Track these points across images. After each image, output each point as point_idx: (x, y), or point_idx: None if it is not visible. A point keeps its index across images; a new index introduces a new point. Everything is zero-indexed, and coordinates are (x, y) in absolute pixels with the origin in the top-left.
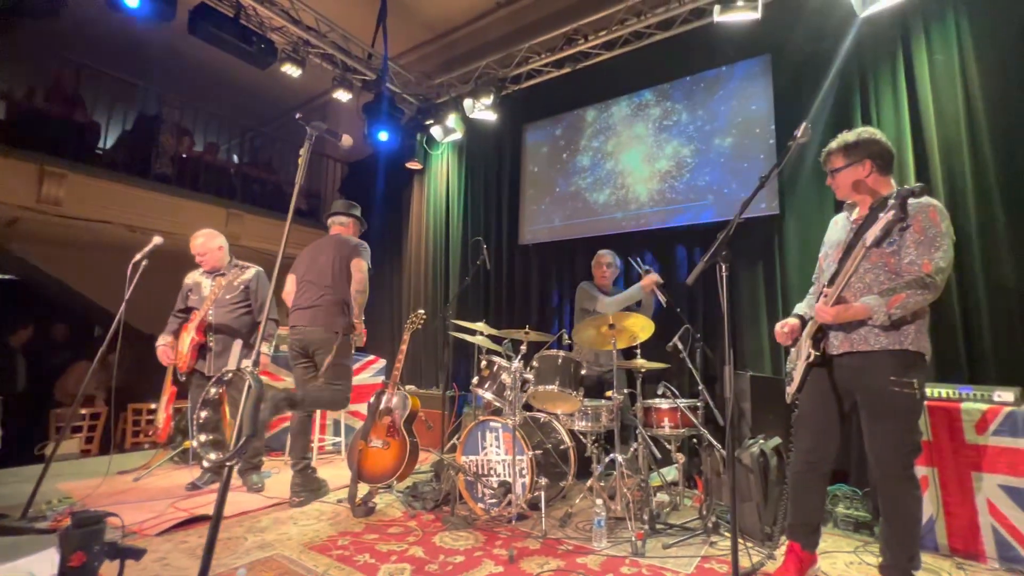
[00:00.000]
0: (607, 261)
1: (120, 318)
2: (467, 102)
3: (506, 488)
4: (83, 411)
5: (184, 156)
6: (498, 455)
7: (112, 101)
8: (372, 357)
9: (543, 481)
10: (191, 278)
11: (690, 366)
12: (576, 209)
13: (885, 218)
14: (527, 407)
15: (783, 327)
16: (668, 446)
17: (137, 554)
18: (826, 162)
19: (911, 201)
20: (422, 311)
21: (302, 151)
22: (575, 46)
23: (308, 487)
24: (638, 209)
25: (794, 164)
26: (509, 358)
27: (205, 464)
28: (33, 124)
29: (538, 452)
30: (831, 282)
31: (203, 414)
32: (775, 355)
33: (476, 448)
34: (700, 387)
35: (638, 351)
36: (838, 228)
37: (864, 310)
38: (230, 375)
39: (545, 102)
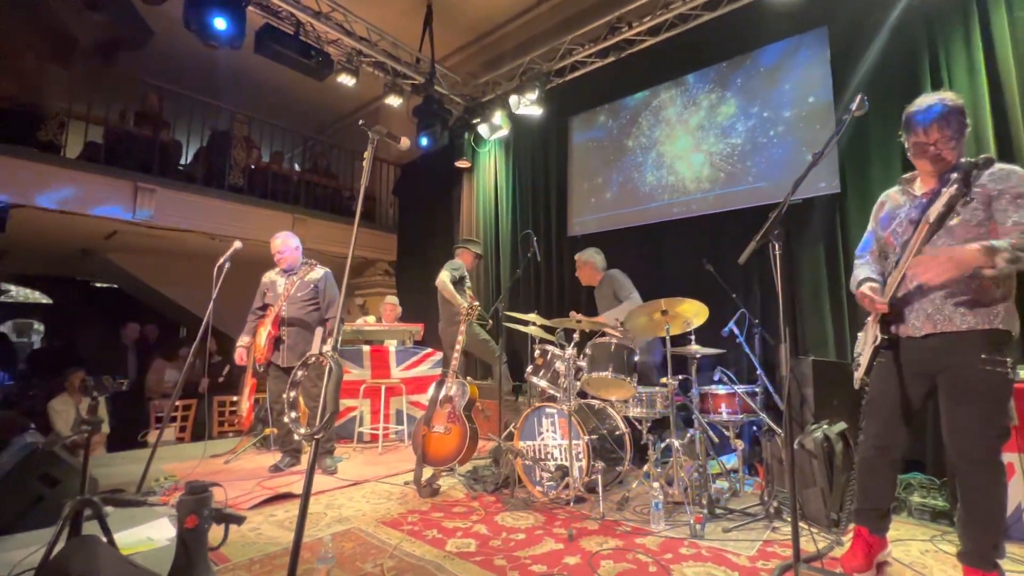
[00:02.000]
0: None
1: (208, 317)
2: (512, 98)
3: (563, 471)
4: (177, 403)
5: (253, 167)
6: (554, 440)
7: (190, 120)
8: (429, 350)
9: (599, 465)
10: (268, 277)
11: (747, 351)
12: (624, 198)
13: (948, 192)
14: (581, 394)
15: (866, 291)
16: (726, 432)
17: (239, 520)
18: (911, 132)
19: (995, 168)
20: (476, 303)
21: (366, 154)
22: (619, 34)
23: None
24: (689, 195)
25: (856, 140)
26: (562, 347)
27: (296, 437)
28: (126, 145)
29: (593, 437)
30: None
31: (292, 394)
32: (839, 340)
33: (533, 434)
34: (758, 372)
35: (692, 337)
36: (900, 203)
37: (975, 255)
38: (313, 359)
39: (590, 93)
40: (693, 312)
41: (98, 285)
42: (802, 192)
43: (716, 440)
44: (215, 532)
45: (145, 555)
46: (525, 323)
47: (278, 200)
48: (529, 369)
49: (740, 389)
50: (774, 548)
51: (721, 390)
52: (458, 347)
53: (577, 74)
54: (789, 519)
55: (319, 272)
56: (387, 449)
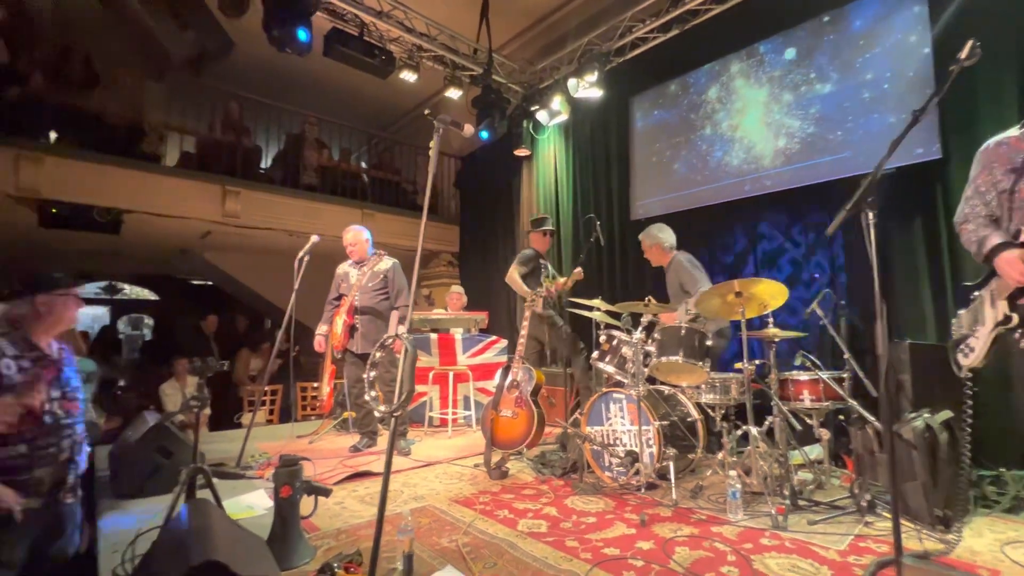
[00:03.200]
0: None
1: (292, 307)
2: (571, 82)
3: (633, 457)
4: (266, 388)
5: (324, 166)
6: (623, 425)
7: (267, 125)
8: (494, 338)
9: (671, 451)
10: (341, 268)
11: (832, 334)
12: (691, 178)
13: None
14: (650, 380)
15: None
16: (809, 421)
17: (326, 492)
18: None
19: None
20: (540, 289)
21: (431, 143)
22: (681, 6)
23: None
24: (763, 171)
25: (961, 98)
26: (629, 332)
27: (376, 415)
28: (214, 152)
29: (664, 423)
30: None
31: (372, 374)
32: (941, 322)
33: (600, 419)
34: (846, 356)
35: (770, 320)
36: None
37: None
38: (390, 340)
39: (653, 70)
40: (770, 293)
41: (194, 282)
42: (894, 160)
43: (799, 427)
44: (307, 503)
45: (246, 522)
46: (589, 308)
47: (347, 196)
48: (595, 355)
49: (825, 375)
50: (867, 543)
51: (803, 376)
52: (523, 333)
53: (638, 52)
54: (884, 514)
55: (388, 263)
56: (456, 433)
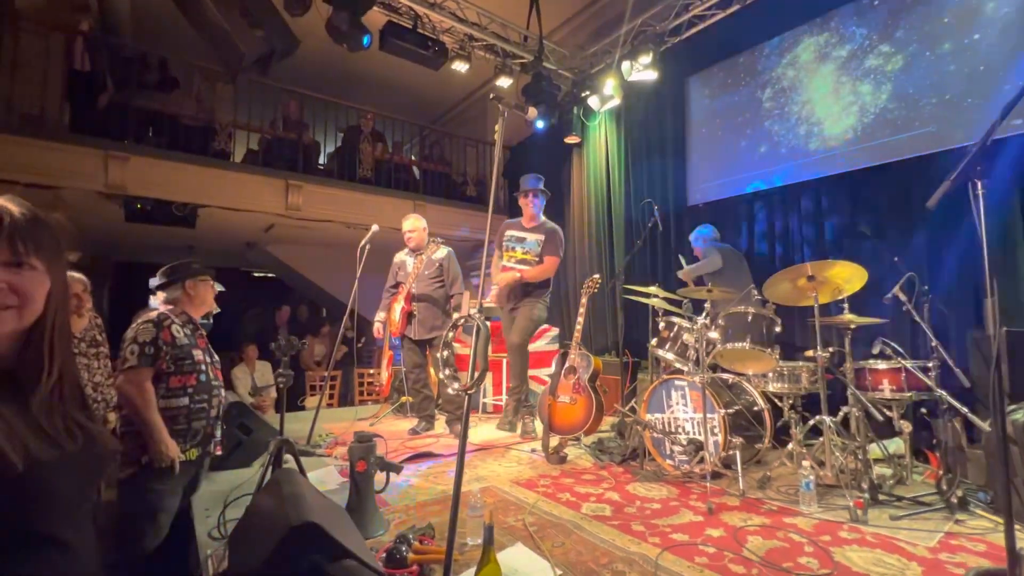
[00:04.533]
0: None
1: (355, 294)
2: (624, 65)
3: (697, 445)
4: (325, 373)
5: (378, 159)
6: (686, 413)
7: (324, 120)
8: (546, 326)
9: (738, 440)
10: (398, 257)
11: (917, 320)
12: (753, 159)
13: None
14: (712, 368)
15: None
16: (888, 413)
17: (397, 469)
18: None
19: None
20: (596, 276)
21: (497, 127)
22: None
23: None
24: (833, 148)
25: None
26: (689, 319)
27: (450, 392)
28: (277, 148)
29: (729, 411)
30: None
31: (445, 353)
32: None
33: (661, 406)
34: (934, 343)
35: (845, 306)
36: None
37: None
38: (462, 320)
39: (711, 49)
40: (846, 277)
41: (257, 274)
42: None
43: (881, 418)
44: (378, 479)
45: None
46: (647, 296)
47: (400, 188)
48: (654, 342)
49: (909, 363)
50: (960, 541)
51: (882, 364)
52: (580, 319)
53: (695, 30)
54: (978, 512)
55: (443, 251)
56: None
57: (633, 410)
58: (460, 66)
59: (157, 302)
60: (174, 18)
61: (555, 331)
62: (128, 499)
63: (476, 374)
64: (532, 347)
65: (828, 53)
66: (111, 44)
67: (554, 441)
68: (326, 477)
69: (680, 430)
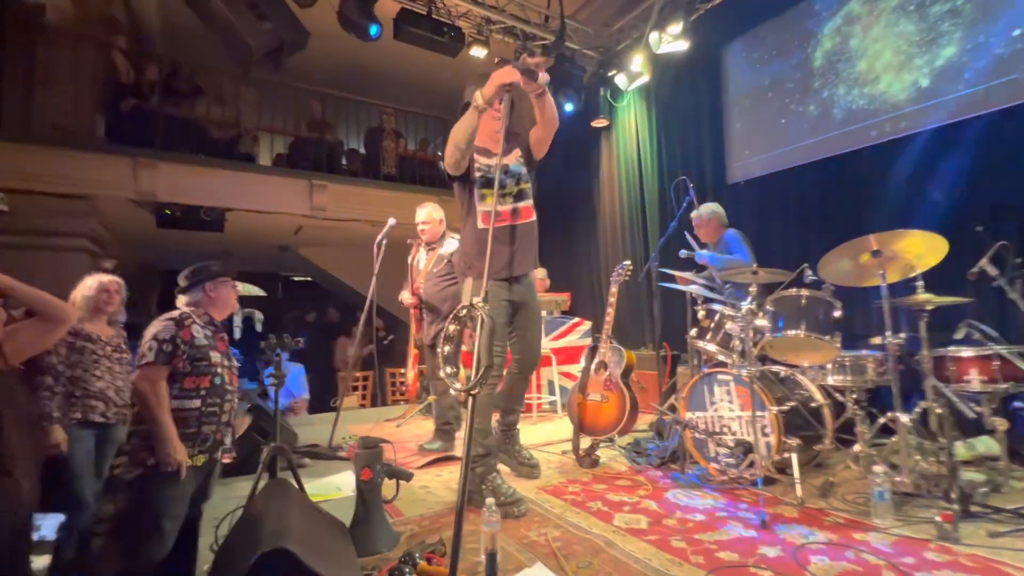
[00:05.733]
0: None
1: (372, 291)
2: (652, 36)
3: (746, 447)
4: (358, 374)
5: (402, 156)
6: (732, 411)
7: (347, 119)
8: (577, 319)
9: (794, 441)
10: (415, 252)
11: (1013, 297)
12: (802, 129)
13: None
14: (761, 359)
15: None
16: (978, 408)
17: (407, 476)
18: None
19: None
20: (628, 263)
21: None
22: None
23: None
24: (896, 110)
25: None
26: (732, 306)
27: (452, 392)
28: (301, 149)
29: (783, 408)
30: None
31: (447, 349)
32: None
33: (703, 403)
34: None
35: (919, 283)
36: None
37: None
38: (465, 311)
39: (748, 12)
40: (921, 250)
41: (295, 278)
42: None
43: (971, 415)
44: (390, 488)
45: (335, 502)
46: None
47: (425, 184)
48: (693, 332)
49: (1003, 349)
50: None
51: (969, 351)
52: (610, 309)
53: None
54: None
55: (452, 245)
56: (541, 419)
57: (672, 408)
58: (478, 52)
59: (181, 304)
60: (199, 26)
61: (587, 324)
62: (132, 503)
63: (480, 372)
64: (563, 342)
65: (883, 4)
66: (142, 55)
67: (585, 442)
68: (345, 482)
69: (726, 430)
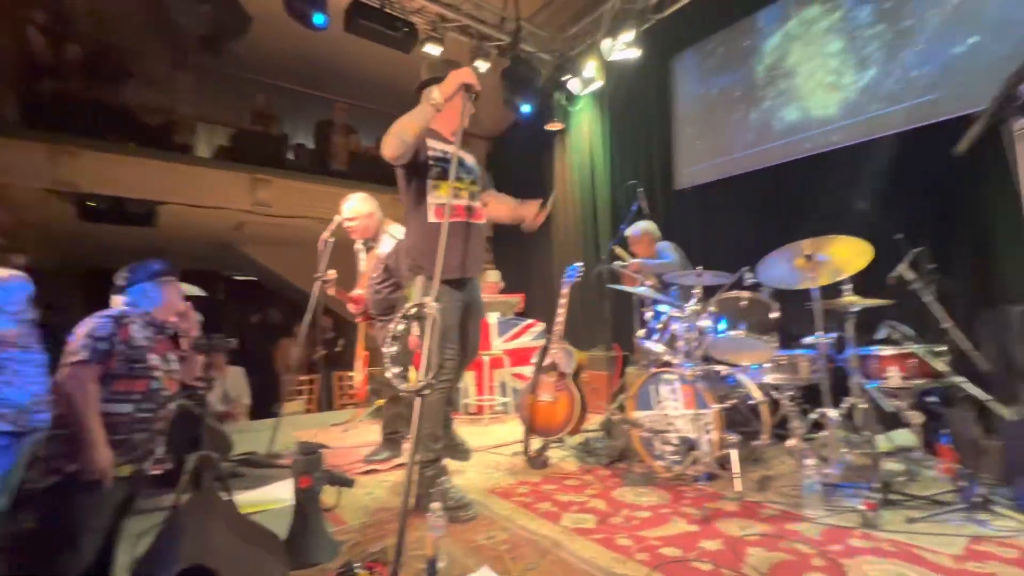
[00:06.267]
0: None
1: (316, 292)
2: (605, 43)
3: (689, 445)
4: (303, 377)
5: (354, 152)
6: (677, 409)
7: (295, 113)
8: (530, 321)
9: (734, 438)
10: (356, 247)
11: (928, 301)
12: (745, 139)
13: None
14: (705, 359)
15: None
16: (897, 403)
17: (348, 483)
18: None
19: None
20: (579, 264)
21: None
22: None
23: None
24: (829, 124)
25: None
26: (679, 307)
27: (399, 393)
28: (244, 142)
29: (725, 406)
30: None
31: (393, 349)
32: None
33: (650, 403)
34: (948, 326)
35: (848, 287)
36: None
37: None
38: (414, 310)
39: (696, 25)
40: (848, 255)
41: (237, 277)
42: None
43: (891, 409)
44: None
45: (272, 513)
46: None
47: (380, 183)
48: (640, 333)
49: (920, 348)
50: (987, 546)
51: (888, 350)
52: (561, 311)
53: (679, 5)
54: (1002, 512)
55: (388, 245)
56: (493, 420)
57: (621, 407)
58: (433, 49)
59: (118, 304)
60: (129, 7)
61: (540, 326)
62: (47, 513)
63: (430, 374)
64: (516, 343)
65: (823, 19)
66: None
67: (536, 443)
68: (285, 491)
69: (671, 428)
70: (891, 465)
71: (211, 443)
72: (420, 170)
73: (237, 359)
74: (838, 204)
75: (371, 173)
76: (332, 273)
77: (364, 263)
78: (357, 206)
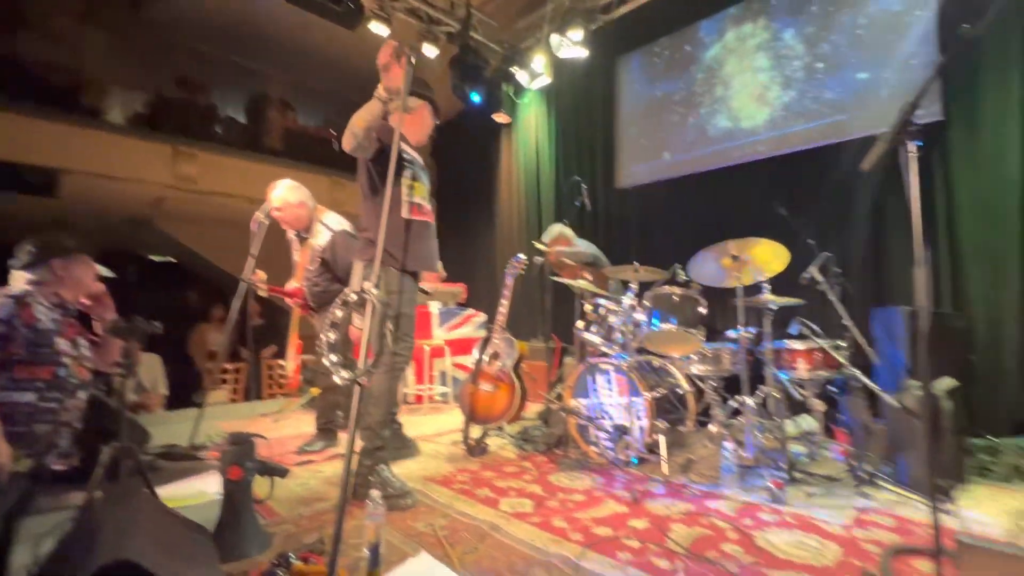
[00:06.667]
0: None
1: (240, 293)
2: (554, 39)
3: (621, 431)
4: (227, 366)
5: (289, 129)
6: (611, 398)
7: (228, 84)
8: (472, 311)
9: (663, 424)
10: (289, 236)
11: (833, 300)
12: (682, 143)
13: None
14: (639, 351)
15: None
16: (804, 392)
17: (282, 472)
18: None
19: None
20: (523, 256)
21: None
22: None
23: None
24: (756, 135)
25: (965, 58)
26: (616, 301)
27: (338, 381)
28: (166, 111)
29: (656, 395)
30: None
31: (331, 336)
32: (939, 287)
33: (586, 392)
34: (847, 323)
35: (767, 286)
36: None
37: None
38: (354, 297)
39: (642, 29)
40: (768, 257)
41: (155, 259)
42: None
43: (799, 398)
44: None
45: (195, 508)
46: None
47: (318, 164)
48: (580, 324)
49: (824, 343)
50: (871, 516)
51: (799, 344)
52: (504, 301)
53: (626, 8)
54: (887, 486)
55: (324, 238)
56: (432, 410)
57: (559, 396)
58: (380, 28)
59: (19, 282)
60: None
61: (482, 316)
62: None
63: (370, 361)
64: (457, 333)
65: (754, 36)
66: None
67: (476, 432)
68: (208, 485)
69: (605, 416)
70: (796, 447)
71: (127, 435)
72: (386, 165)
73: (152, 346)
74: (762, 210)
75: (309, 153)
76: (260, 274)
77: (298, 254)
78: (284, 195)
